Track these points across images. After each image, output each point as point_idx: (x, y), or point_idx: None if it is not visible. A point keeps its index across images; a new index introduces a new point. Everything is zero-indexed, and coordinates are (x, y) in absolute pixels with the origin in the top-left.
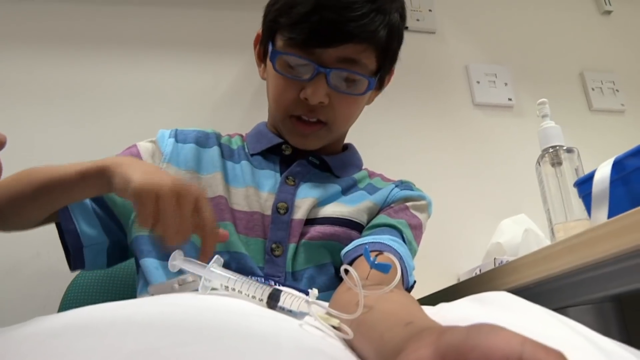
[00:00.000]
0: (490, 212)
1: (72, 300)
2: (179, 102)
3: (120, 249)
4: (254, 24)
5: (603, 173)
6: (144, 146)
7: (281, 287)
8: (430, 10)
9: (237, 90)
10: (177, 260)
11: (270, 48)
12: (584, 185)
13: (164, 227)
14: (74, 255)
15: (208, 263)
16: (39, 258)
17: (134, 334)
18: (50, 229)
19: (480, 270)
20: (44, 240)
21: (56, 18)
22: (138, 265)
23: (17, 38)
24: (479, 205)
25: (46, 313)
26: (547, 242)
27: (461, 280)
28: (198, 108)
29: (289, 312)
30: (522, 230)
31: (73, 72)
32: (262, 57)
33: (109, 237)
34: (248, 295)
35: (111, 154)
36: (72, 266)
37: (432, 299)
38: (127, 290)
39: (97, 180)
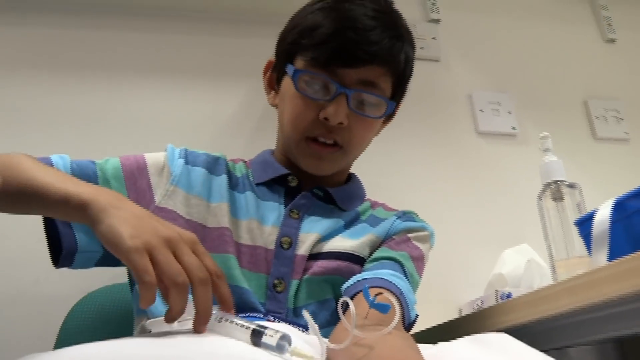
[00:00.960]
0: (492, 241)
1: (71, 329)
2: (180, 130)
3: (112, 260)
4: (255, 52)
5: (603, 214)
6: (154, 160)
7: (266, 324)
8: (434, 38)
9: (237, 119)
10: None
11: (290, 69)
12: (585, 224)
13: (164, 281)
14: (65, 256)
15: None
16: (38, 285)
17: None
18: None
19: (481, 302)
20: (44, 267)
21: (59, 44)
22: (132, 284)
23: (20, 64)
24: (481, 235)
25: (44, 341)
26: (549, 274)
27: (462, 311)
28: (199, 136)
29: (274, 348)
30: (524, 261)
31: (76, 99)
32: (273, 84)
33: (104, 249)
34: (238, 325)
35: None
36: (59, 265)
37: (432, 333)
38: (129, 319)
39: (78, 212)
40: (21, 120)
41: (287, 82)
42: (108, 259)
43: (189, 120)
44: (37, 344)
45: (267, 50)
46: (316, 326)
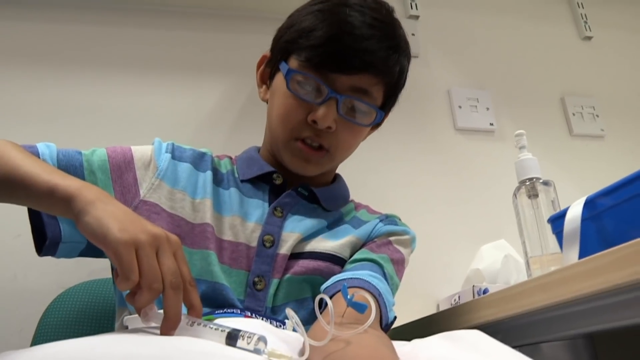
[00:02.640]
0: (470, 237)
1: (49, 324)
2: (161, 123)
3: (95, 251)
4: (235, 48)
5: (574, 212)
6: (141, 153)
7: (247, 326)
8: (413, 35)
9: (219, 113)
10: (151, 313)
11: (284, 68)
12: (557, 222)
13: (140, 282)
14: (49, 246)
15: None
16: (16, 280)
17: None
18: (29, 252)
19: (459, 298)
20: (22, 262)
21: (35, 38)
22: (115, 275)
23: (14, 58)
24: (460, 230)
25: (22, 336)
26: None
27: (440, 306)
28: (180, 129)
29: (252, 351)
30: (501, 256)
31: (51, 92)
32: (265, 79)
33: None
34: (212, 328)
35: None
36: (42, 253)
37: (411, 329)
38: (107, 315)
39: (62, 205)
40: (14, 113)
41: (279, 80)
42: (91, 250)
43: (169, 114)
44: (15, 339)
45: (248, 46)
46: (302, 327)
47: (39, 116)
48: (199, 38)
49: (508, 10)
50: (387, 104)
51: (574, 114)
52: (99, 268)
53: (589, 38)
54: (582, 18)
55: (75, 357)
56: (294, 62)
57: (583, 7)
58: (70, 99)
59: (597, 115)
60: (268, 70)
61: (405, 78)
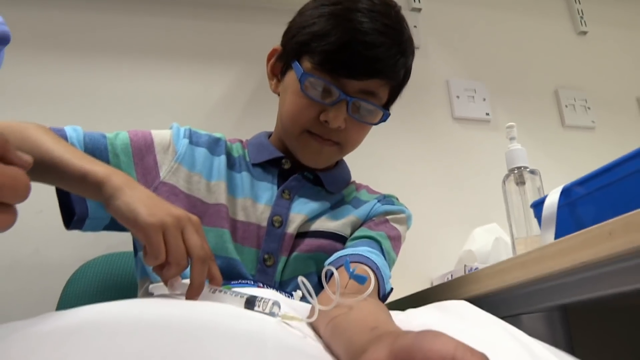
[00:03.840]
0: (464, 220)
1: (71, 294)
2: (171, 109)
3: (117, 226)
4: (245, 36)
5: (552, 199)
6: (160, 137)
7: (261, 293)
8: (415, 27)
9: (228, 99)
10: (177, 283)
11: (298, 69)
12: (538, 207)
13: (168, 259)
14: (77, 221)
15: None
16: (38, 254)
17: (140, 333)
18: (50, 227)
19: (452, 276)
20: (43, 237)
21: (51, 24)
22: (137, 250)
23: (20, 44)
24: (454, 214)
25: (45, 307)
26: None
27: (434, 283)
28: (190, 115)
29: (267, 314)
30: (492, 239)
31: (67, 78)
32: (277, 72)
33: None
34: (232, 294)
35: None
36: (70, 227)
37: (406, 302)
38: (126, 286)
39: (93, 189)
40: (21, 98)
41: (292, 77)
42: (114, 225)
43: (182, 100)
44: (39, 308)
45: (258, 36)
46: (313, 291)
47: (55, 101)
48: (211, 27)
49: (507, 5)
50: (391, 101)
51: (566, 106)
52: (116, 242)
53: (584, 33)
54: (579, 13)
55: (116, 316)
56: (307, 64)
57: (580, 3)
58: (87, 85)
59: (589, 108)
60: (279, 64)
61: (409, 75)
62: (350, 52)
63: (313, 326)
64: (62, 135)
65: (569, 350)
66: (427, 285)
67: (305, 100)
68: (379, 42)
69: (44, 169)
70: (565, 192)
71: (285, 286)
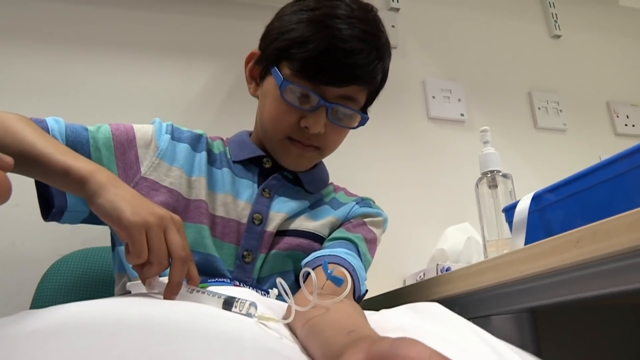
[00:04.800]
0: (437, 219)
1: (47, 289)
2: (150, 103)
3: (95, 220)
4: (224, 31)
5: (523, 205)
6: (142, 132)
7: (237, 293)
8: (393, 26)
9: (206, 94)
10: (154, 282)
11: (277, 76)
12: (510, 212)
13: (150, 259)
14: (55, 213)
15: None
16: (14, 247)
17: (122, 334)
18: (26, 220)
19: (424, 275)
20: (19, 230)
21: (31, 17)
22: (114, 245)
23: (10, 35)
24: (428, 213)
25: (21, 299)
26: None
27: (407, 281)
28: (169, 110)
29: (245, 315)
30: (465, 238)
31: (48, 70)
32: (255, 76)
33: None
34: (209, 294)
35: None
36: (48, 219)
37: (380, 300)
38: (102, 281)
39: (76, 185)
40: (2, 89)
41: (271, 83)
42: (92, 219)
43: (159, 94)
44: (14, 301)
45: (236, 31)
46: (290, 293)
47: (32, 93)
48: (190, 21)
49: (483, 7)
50: (368, 103)
51: (539, 108)
52: (92, 237)
53: (558, 37)
54: (553, 17)
55: (96, 316)
56: (286, 70)
57: (554, 7)
58: (64, 77)
59: (561, 110)
60: (258, 68)
61: (386, 78)
62: (330, 59)
63: (290, 326)
64: (43, 127)
65: (536, 351)
66: (400, 283)
67: (285, 106)
68: (358, 49)
69: (26, 163)
70: (536, 199)
71: (262, 283)
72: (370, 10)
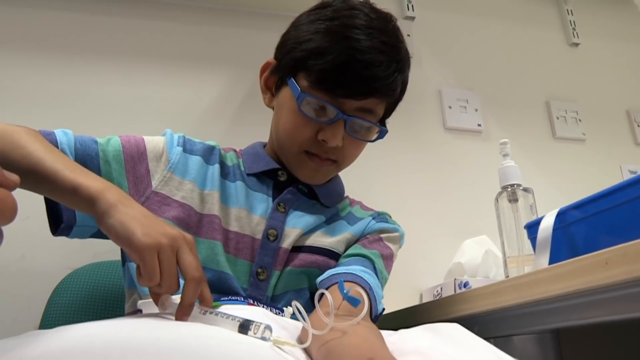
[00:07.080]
0: (454, 232)
1: (58, 304)
2: (162, 114)
3: (105, 235)
4: (236, 41)
5: (547, 222)
6: (153, 145)
7: (251, 314)
8: (408, 35)
9: (218, 105)
10: (167, 302)
11: (295, 88)
12: (532, 228)
13: (161, 282)
14: (64, 228)
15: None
16: (24, 260)
17: (130, 359)
18: (36, 233)
19: (441, 289)
20: (29, 243)
21: (42, 26)
22: (124, 261)
23: (3, 44)
24: (444, 225)
25: (30, 313)
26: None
27: (423, 296)
28: (181, 121)
29: (260, 338)
30: (482, 252)
31: (58, 80)
32: (271, 86)
33: None
34: (223, 316)
35: None
36: (57, 234)
37: (397, 317)
38: (113, 296)
39: (85, 204)
40: (11, 99)
41: (287, 93)
42: (101, 234)
43: (171, 105)
44: (24, 315)
45: (250, 41)
46: (307, 319)
47: (41, 103)
48: (202, 31)
49: (500, 15)
50: (387, 115)
51: (557, 118)
52: (102, 250)
53: (576, 45)
54: (571, 25)
55: (105, 339)
56: (303, 82)
57: (572, 14)
58: (73, 88)
59: (580, 120)
60: (273, 79)
61: (405, 90)
62: (349, 72)
63: (305, 349)
64: (52, 140)
65: None
66: (416, 297)
67: (302, 119)
68: (377, 61)
69: (34, 179)
70: (560, 216)
71: (276, 300)
72: (389, 20)
